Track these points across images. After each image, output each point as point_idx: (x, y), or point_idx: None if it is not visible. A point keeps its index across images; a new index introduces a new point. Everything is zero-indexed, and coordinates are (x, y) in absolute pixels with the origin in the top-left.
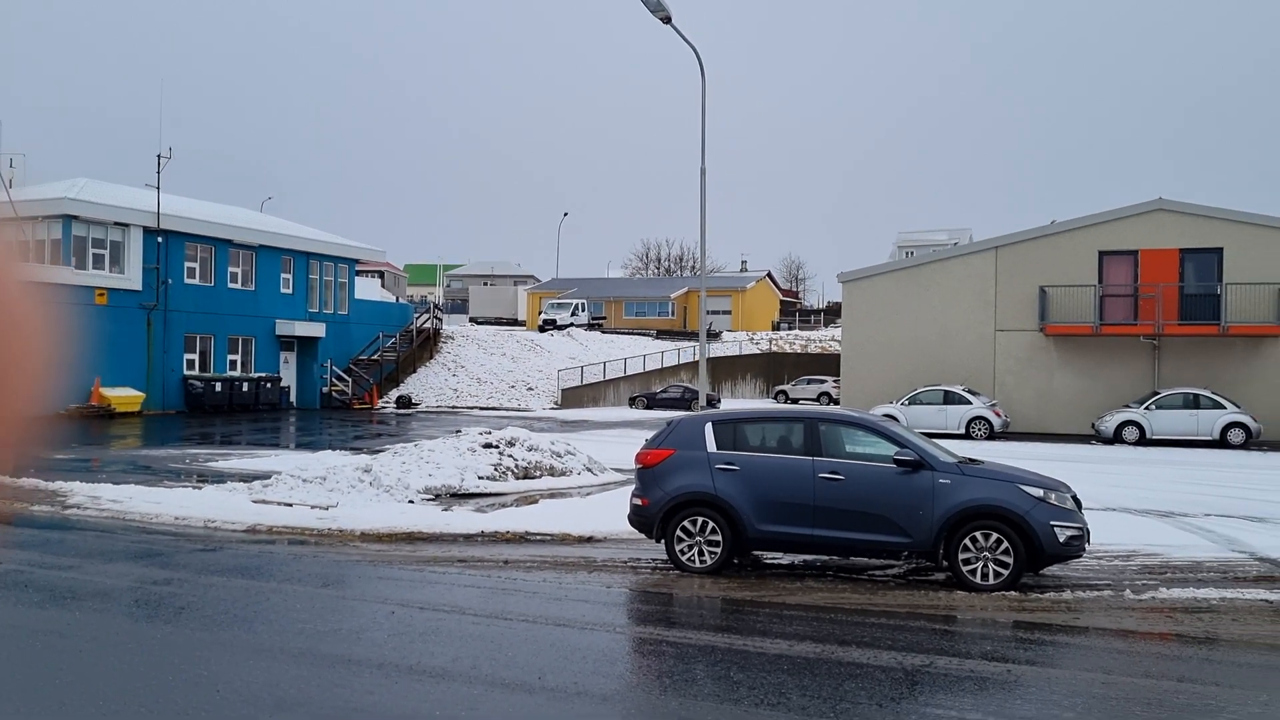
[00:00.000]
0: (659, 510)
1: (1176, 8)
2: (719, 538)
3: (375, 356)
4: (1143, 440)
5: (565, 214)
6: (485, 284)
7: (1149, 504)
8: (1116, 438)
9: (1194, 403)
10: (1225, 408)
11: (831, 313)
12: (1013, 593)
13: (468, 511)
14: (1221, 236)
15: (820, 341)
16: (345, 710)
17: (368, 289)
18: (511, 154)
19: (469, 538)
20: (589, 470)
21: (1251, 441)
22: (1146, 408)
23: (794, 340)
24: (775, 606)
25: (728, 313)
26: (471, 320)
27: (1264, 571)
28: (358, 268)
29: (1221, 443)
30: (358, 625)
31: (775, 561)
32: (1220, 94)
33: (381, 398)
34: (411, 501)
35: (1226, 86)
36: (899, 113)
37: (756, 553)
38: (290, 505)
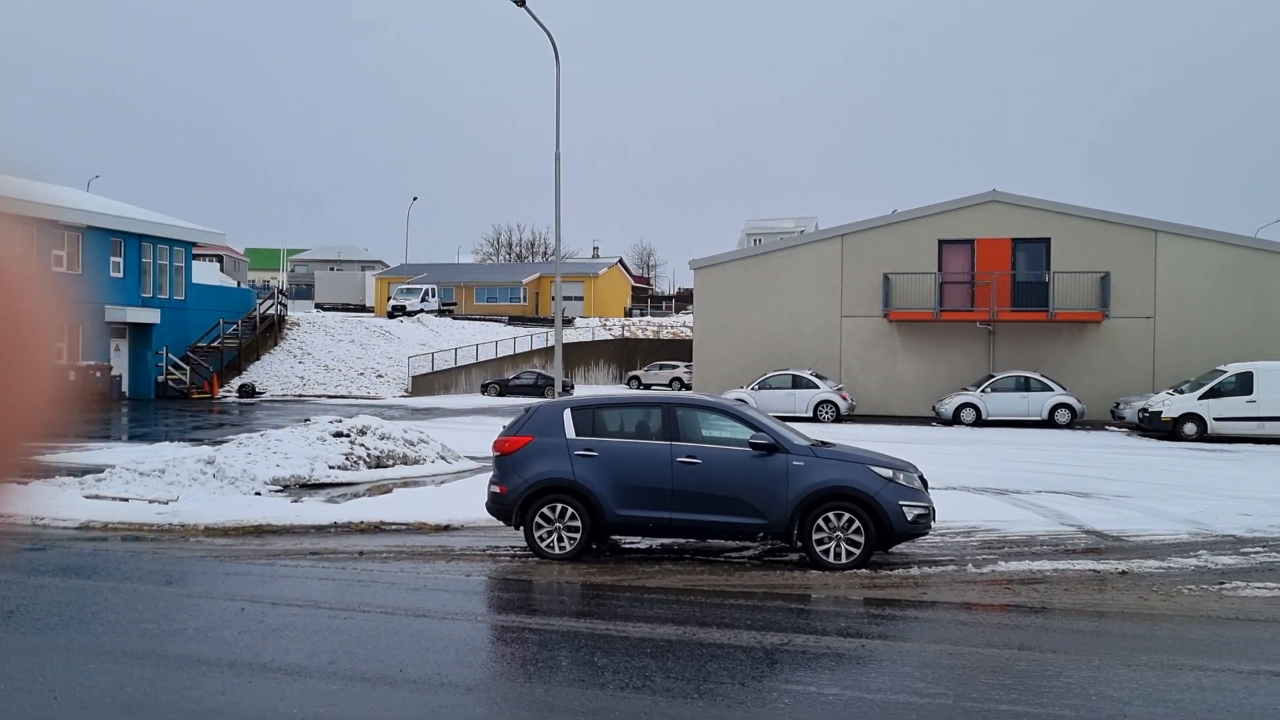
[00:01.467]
0: (518, 497)
1: (1027, 9)
2: (578, 524)
3: (215, 344)
4: (979, 421)
5: (415, 198)
6: (332, 269)
7: (986, 482)
8: (955, 419)
9: (1025, 385)
10: (1053, 390)
11: (683, 299)
12: (864, 570)
13: (319, 502)
14: (1049, 227)
15: (672, 327)
16: (196, 713)
17: (206, 273)
18: (359, 135)
19: (321, 529)
20: (443, 458)
21: (1076, 421)
22: (982, 390)
23: (646, 326)
24: (636, 590)
25: (580, 299)
26: (317, 306)
27: (1091, 544)
28: (195, 251)
29: (1050, 423)
30: (205, 624)
31: (634, 546)
32: (1055, 92)
33: (223, 386)
34: (259, 493)
35: (1059, 85)
36: (747, 103)
37: (615, 538)
38: (126, 500)
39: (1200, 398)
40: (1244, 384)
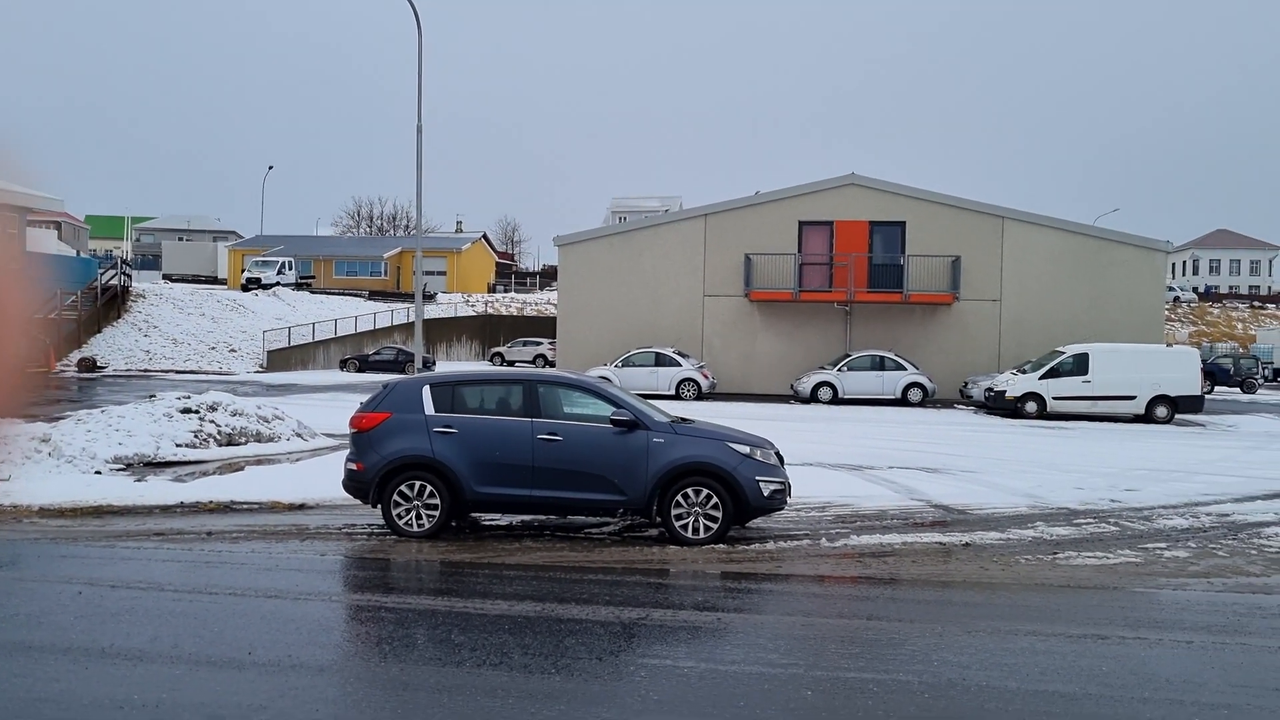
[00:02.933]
0: (375, 475)
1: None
2: (437, 501)
3: (52, 316)
4: (836, 399)
5: (270, 168)
6: (181, 239)
7: (841, 458)
8: (813, 397)
9: (880, 365)
10: (906, 369)
11: (548, 275)
12: (721, 545)
13: (165, 481)
14: (905, 211)
15: (536, 304)
16: (27, 700)
17: (42, 241)
18: (211, 102)
19: (167, 509)
20: (299, 435)
21: (928, 400)
22: (839, 369)
23: (510, 302)
24: (495, 567)
25: (443, 274)
26: (165, 278)
27: (938, 517)
28: (30, 218)
29: (903, 401)
30: (39, 608)
31: (494, 523)
32: (913, 82)
33: (60, 360)
34: (99, 473)
35: (912, 68)
36: (614, 81)
37: (475, 515)
38: None
39: (1041, 378)
40: (1080, 365)
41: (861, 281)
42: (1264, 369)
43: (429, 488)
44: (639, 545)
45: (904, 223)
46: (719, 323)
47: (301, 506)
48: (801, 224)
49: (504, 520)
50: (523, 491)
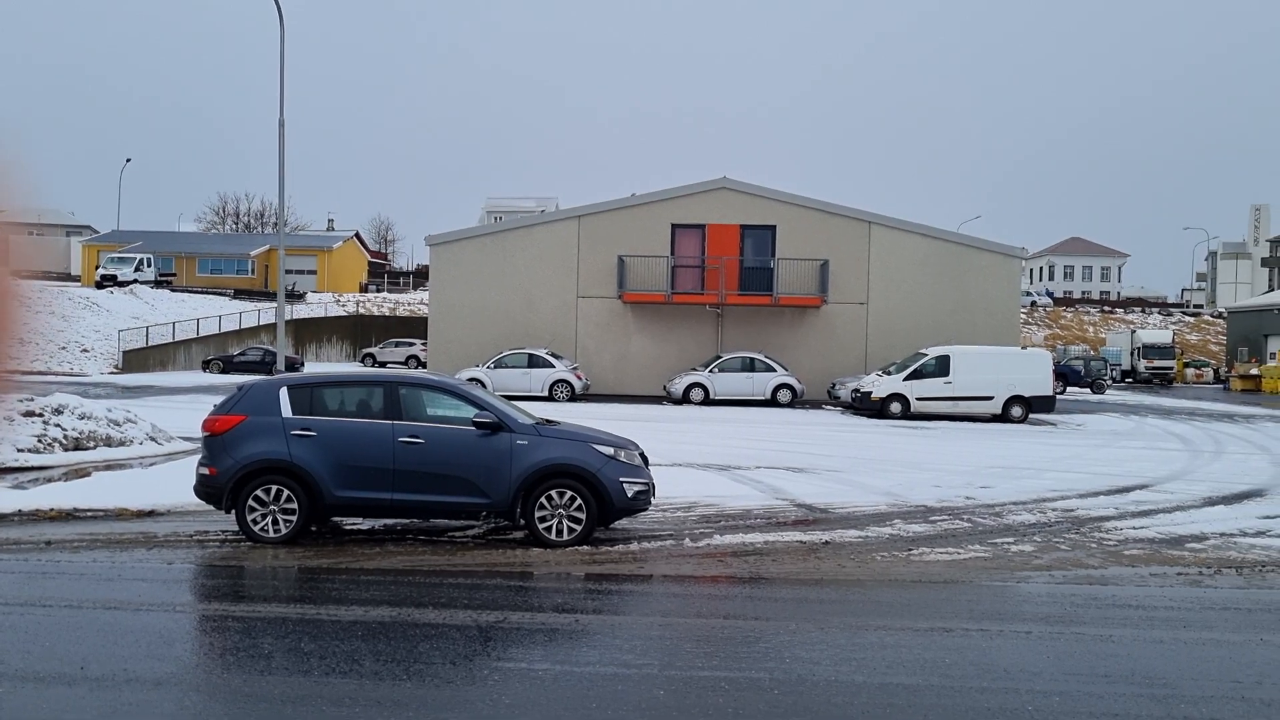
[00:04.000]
0: (229, 479)
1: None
2: (294, 506)
3: None
4: (708, 400)
5: (128, 160)
6: (31, 233)
7: (710, 459)
8: (685, 398)
9: (750, 366)
10: (776, 370)
11: (421, 275)
12: (585, 547)
13: (3, 489)
14: (775, 215)
15: (410, 304)
16: None
17: None
18: (65, 90)
19: (3, 518)
20: (153, 439)
21: (796, 400)
22: (710, 371)
23: (383, 303)
24: (353, 573)
25: (313, 273)
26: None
27: (801, 516)
28: None
29: (772, 401)
30: None
31: (355, 527)
32: (786, 89)
33: None
34: None
35: (788, 82)
36: (491, 79)
37: (336, 519)
38: None
39: (905, 379)
40: (942, 366)
41: (733, 284)
42: (1112, 370)
43: (286, 492)
44: (502, 548)
45: (774, 226)
46: (593, 324)
47: (151, 513)
48: (674, 226)
49: (366, 524)
50: (384, 495)
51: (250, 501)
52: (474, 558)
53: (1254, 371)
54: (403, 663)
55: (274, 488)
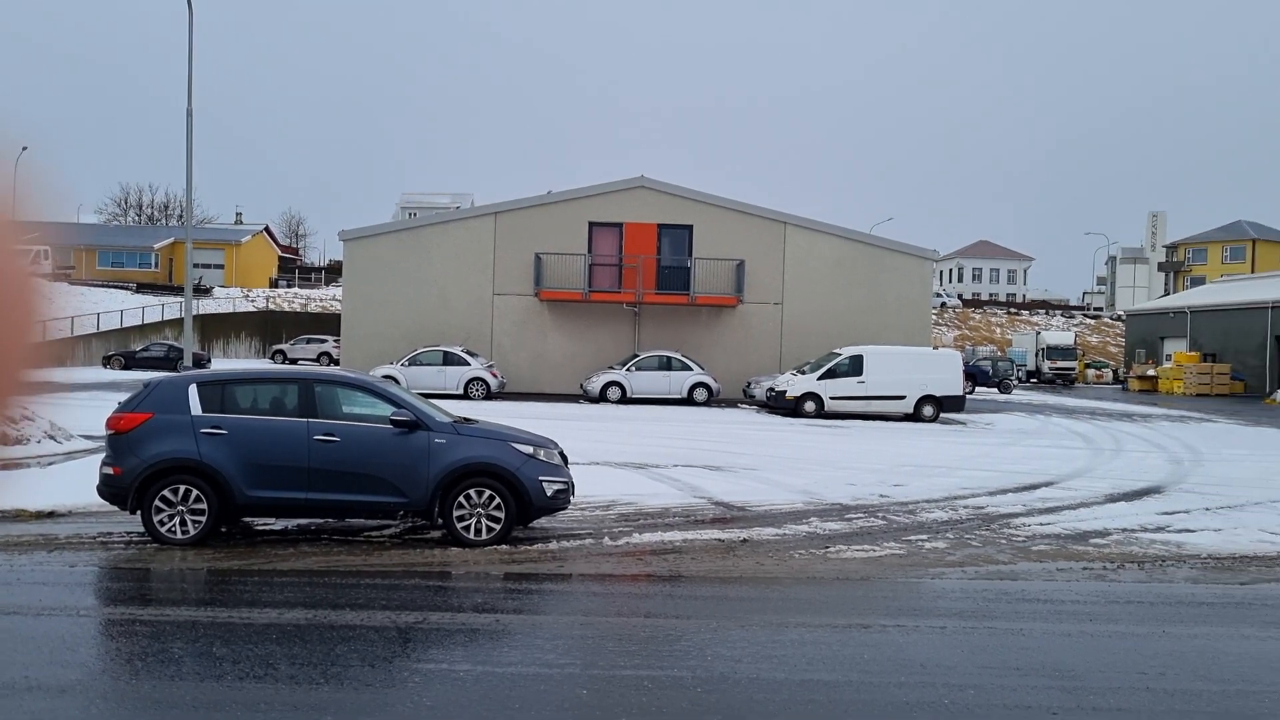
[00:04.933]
0: (134, 479)
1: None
2: (204, 506)
3: None
4: (625, 399)
5: (24, 148)
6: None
7: (628, 457)
8: (602, 397)
9: (667, 365)
10: (693, 369)
11: (334, 271)
12: (504, 546)
13: None
14: (692, 215)
15: (322, 300)
16: None
17: None
18: None
19: None
20: (52, 438)
21: (713, 399)
22: (628, 369)
23: (294, 298)
24: (265, 574)
25: (221, 267)
26: None
27: (719, 514)
28: None
29: (689, 400)
30: None
31: (268, 528)
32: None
33: None
34: None
35: (707, 85)
36: (406, 75)
37: (247, 520)
38: None
39: (819, 378)
40: (855, 366)
41: (650, 283)
42: (1018, 371)
43: (195, 492)
44: (420, 548)
45: (691, 226)
46: (509, 322)
47: (51, 515)
48: (592, 225)
49: (279, 525)
50: (298, 494)
51: (157, 502)
52: (391, 558)
53: (1151, 373)
54: (320, 666)
55: (182, 488)
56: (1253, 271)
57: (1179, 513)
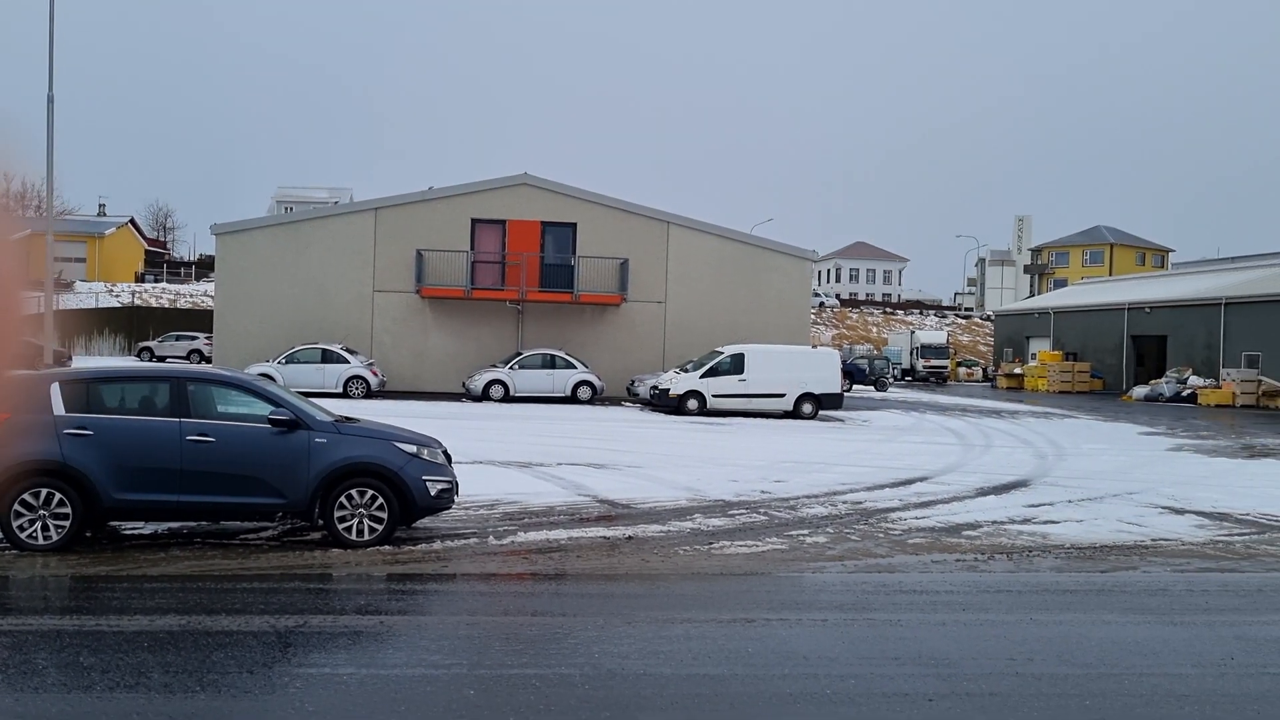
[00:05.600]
0: None
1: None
2: (68, 510)
3: None
4: (508, 397)
5: None
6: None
7: (511, 455)
8: (485, 395)
9: (551, 363)
10: (577, 368)
11: (205, 266)
12: (387, 547)
13: None
14: (576, 213)
15: (192, 296)
16: None
17: None
18: None
19: None
20: None
21: (597, 397)
22: (511, 367)
23: (162, 293)
24: (135, 580)
25: (82, 260)
26: None
27: (604, 512)
28: None
29: (573, 398)
30: None
31: (137, 532)
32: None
33: None
34: None
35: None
36: (281, 66)
37: (115, 524)
38: None
39: (701, 376)
40: (737, 364)
41: (533, 280)
42: (894, 369)
43: (58, 496)
44: (299, 550)
45: (575, 224)
46: (389, 319)
47: None
48: (475, 221)
49: (149, 528)
50: (170, 497)
51: (16, 506)
52: (269, 560)
53: (1017, 370)
54: (195, 674)
55: (44, 491)
56: (1110, 274)
57: (1044, 505)
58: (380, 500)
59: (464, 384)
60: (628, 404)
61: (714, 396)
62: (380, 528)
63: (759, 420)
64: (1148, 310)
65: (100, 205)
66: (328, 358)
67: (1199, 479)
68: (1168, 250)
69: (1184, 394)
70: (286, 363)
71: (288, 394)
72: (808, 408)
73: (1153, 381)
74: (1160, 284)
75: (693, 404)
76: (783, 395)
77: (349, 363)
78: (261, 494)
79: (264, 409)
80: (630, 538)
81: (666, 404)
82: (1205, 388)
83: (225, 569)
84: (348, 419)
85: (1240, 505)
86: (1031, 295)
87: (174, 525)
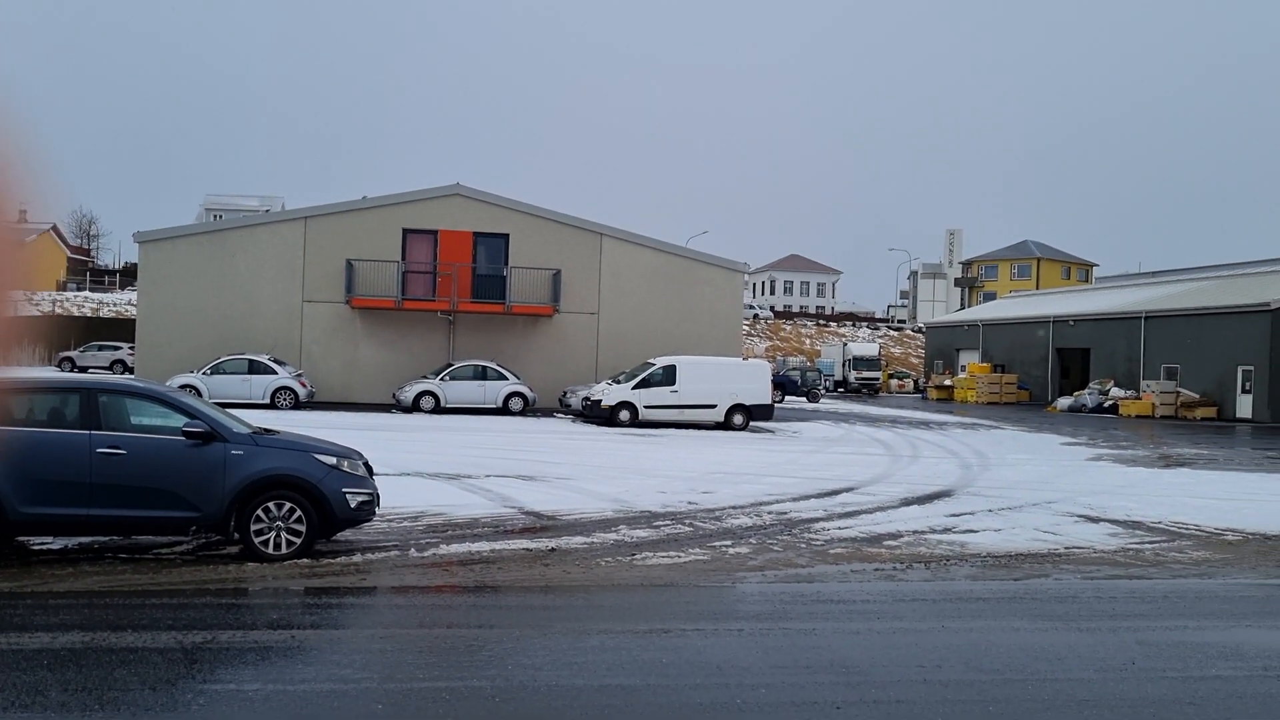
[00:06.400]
0: None
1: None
2: None
3: None
4: (439, 408)
5: None
6: None
7: (439, 467)
8: (415, 406)
9: (482, 374)
10: (508, 379)
11: (129, 274)
12: (305, 560)
13: None
14: (508, 224)
15: (116, 305)
16: None
17: None
18: None
19: None
20: None
21: (528, 409)
22: (442, 379)
23: (84, 302)
24: (39, 597)
25: None
26: None
27: (529, 523)
28: None
29: (504, 410)
30: None
31: (45, 547)
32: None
33: None
34: None
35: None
36: (211, 72)
37: (22, 539)
38: None
39: (633, 387)
40: (669, 375)
41: (465, 291)
42: (826, 381)
43: None
44: (214, 564)
45: (508, 235)
46: (319, 330)
47: None
48: (406, 231)
49: (58, 543)
50: (79, 511)
51: None
52: (181, 575)
53: (947, 382)
54: (95, 691)
55: None
56: (1038, 288)
57: (965, 514)
58: (298, 513)
59: (394, 395)
60: (560, 415)
61: (646, 408)
62: (298, 541)
63: (690, 431)
64: (1072, 323)
65: (20, 211)
66: (254, 368)
67: (1116, 488)
68: (1092, 265)
69: (1106, 405)
70: (212, 373)
71: (203, 405)
72: (739, 419)
73: (1077, 393)
74: (1084, 298)
75: (624, 415)
76: (714, 406)
77: (277, 374)
78: (175, 507)
79: (179, 421)
80: (553, 550)
81: (598, 415)
82: (1126, 399)
83: (135, 584)
84: (267, 431)
85: (1153, 514)
86: (962, 308)
87: (85, 540)
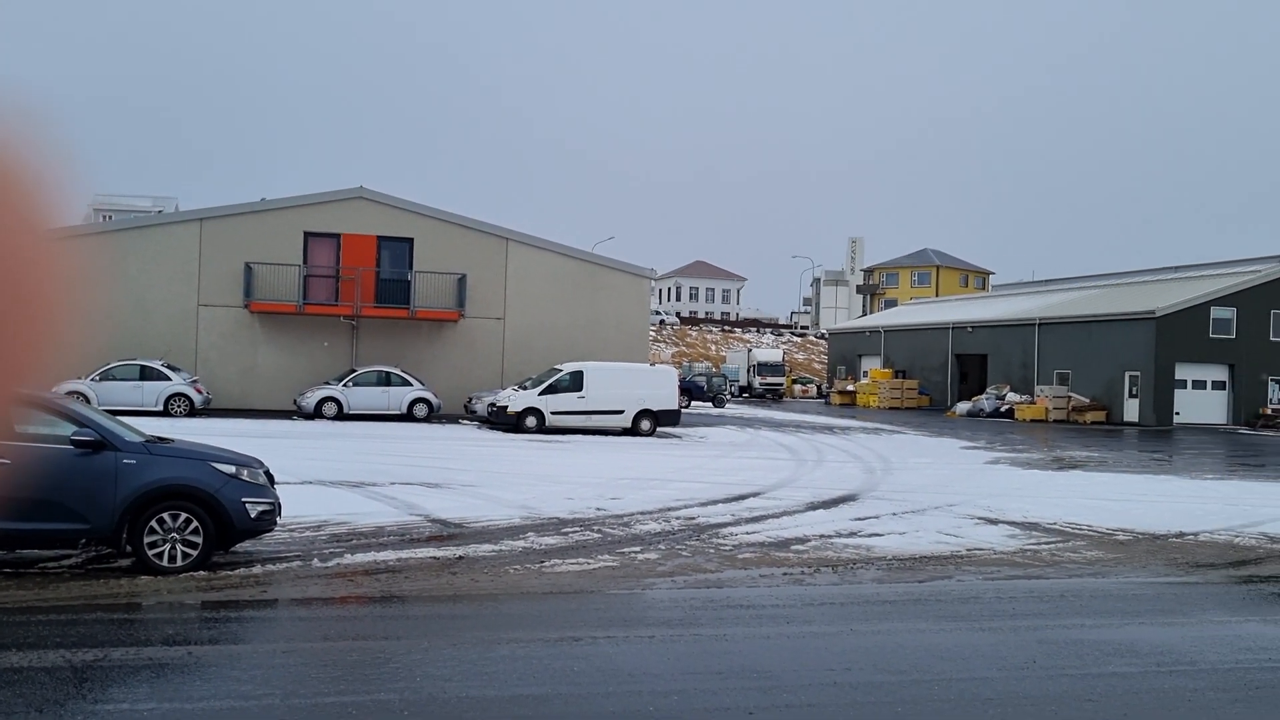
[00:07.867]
0: None
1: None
2: None
3: None
4: (341, 415)
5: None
6: None
7: (343, 475)
8: (317, 413)
9: (386, 380)
10: (413, 385)
11: None
12: (202, 572)
13: None
14: (413, 228)
15: None
16: None
17: None
18: None
19: None
20: None
21: (433, 415)
22: (345, 385)
23: None
24: None
25: None
26: None
27: (435, 531)
28: None
29: (409, 416)
30: None
31: None
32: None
33: None
34: None
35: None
36: (104, 70)
37: None
38: None
39: (540, 393)
40: (576, 381)
41: (369, 296)
42: (731, 386)
43: None
44: (105, 578)
45: (412, 239)
46: (216, 334)
47: None
48: (307, 235)
49: None
50: None
51: None
52: (70, 590)
53: (850, 388)
54: None
55: None
56: (937, 295)
57: (870, 518)
58: (195, 524)
59: (295, 402)
60: (465, 422)
61: (553, 414)
62: (195, 553)
63: (597, 437)
64: (970, 330)
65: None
66: (147, 374)
67: (1013, 490)
68: (989, 273)
69: (1003, 410)
70: (101, 380)
71: (93, 412)
72: (646, 424)
73: (975, 398)
74: (982, 305)
75: (531, 421)
76: (621, 412)
77: (171, 380)
78: (62, 519)
79: (67, 429)
80: (461, 558)
81: (505, 421)
82: (1022, 404)
83: (19, 600)
84: (161, 439)
85: (1049, 515)
86: (864, 314)
87: None
